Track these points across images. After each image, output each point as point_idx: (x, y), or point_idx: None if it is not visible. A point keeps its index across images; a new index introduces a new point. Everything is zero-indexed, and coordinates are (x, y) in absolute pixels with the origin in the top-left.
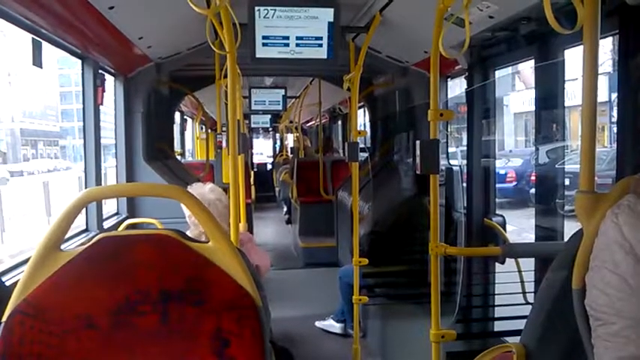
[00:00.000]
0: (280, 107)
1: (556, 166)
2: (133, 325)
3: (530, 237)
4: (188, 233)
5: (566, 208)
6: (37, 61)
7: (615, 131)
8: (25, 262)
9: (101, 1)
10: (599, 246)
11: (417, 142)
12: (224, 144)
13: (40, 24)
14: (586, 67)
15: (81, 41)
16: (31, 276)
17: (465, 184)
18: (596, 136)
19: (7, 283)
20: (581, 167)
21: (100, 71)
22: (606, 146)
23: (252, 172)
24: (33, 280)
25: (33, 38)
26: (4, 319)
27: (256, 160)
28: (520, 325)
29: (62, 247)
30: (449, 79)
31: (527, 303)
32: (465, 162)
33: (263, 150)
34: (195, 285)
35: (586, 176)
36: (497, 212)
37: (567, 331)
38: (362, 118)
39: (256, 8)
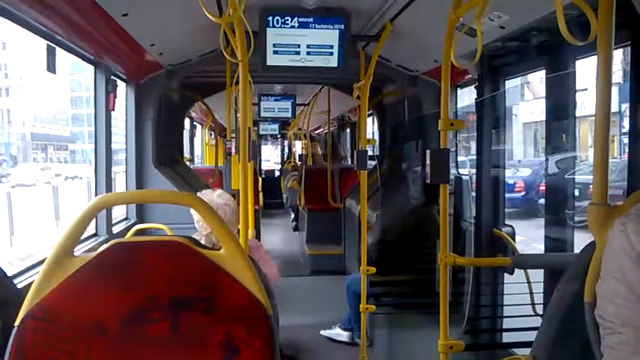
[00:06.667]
0: (289, 115)
1: (566, 176)
2: (143, 333)
3: (539, 248)
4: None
5: (577, 219)
6: (51, 67)
7: (625, 142)
8: (36, 265)
9: (115, 8)
10: (607, 255)
11: (427, 152)
12: (233, 150)
13: (54, 30)
14: (600, 78)
15: (94, 47)
16: (44, 281)
17: (474, 194)
18: (609, 148)
19: (19, 286)
20: (593, 179)
21: (112, 77)
22: (616, 157)
23: (260, 179)
24: (46, 284)
25: (47, 44)
26: (17, 323)
27: (264, 166)
28: (529, 336)
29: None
30: (458, 89)
31: (537, 314)
32: (474, 171)
33: (270, 157)
34: (206, 293)
35: (599, 188)
36: (506, 222)
37: (579, 344)
38: (370, 127)
39: (268, 16)
